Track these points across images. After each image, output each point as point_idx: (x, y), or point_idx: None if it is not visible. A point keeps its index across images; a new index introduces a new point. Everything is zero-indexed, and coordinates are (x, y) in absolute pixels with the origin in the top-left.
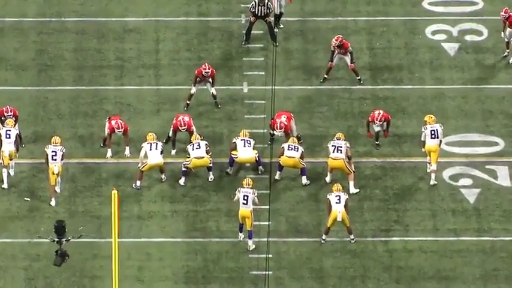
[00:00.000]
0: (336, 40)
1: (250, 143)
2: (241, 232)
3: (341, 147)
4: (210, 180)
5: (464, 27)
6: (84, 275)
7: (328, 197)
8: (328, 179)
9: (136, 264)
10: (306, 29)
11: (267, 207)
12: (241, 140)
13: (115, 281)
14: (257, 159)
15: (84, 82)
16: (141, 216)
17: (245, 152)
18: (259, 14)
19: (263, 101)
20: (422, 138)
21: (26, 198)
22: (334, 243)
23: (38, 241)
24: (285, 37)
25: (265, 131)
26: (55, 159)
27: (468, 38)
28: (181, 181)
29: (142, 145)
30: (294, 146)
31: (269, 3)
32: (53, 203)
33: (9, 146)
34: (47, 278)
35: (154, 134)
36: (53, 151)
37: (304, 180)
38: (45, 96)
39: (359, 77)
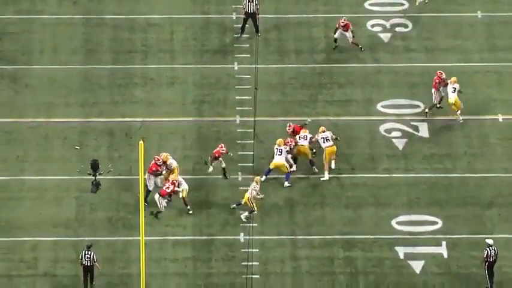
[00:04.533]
0: (344, 20)
1: (281, 152)
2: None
3: (328, 137)
4: (190, 213)
5: (395, 21)
6: (120, 203)
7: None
8: (326, 175)
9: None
10: (279, 24)
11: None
12: (276, 148)
13: (141, 209)
14: (287, 171)
15: (119, 62)
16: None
17: (276, 160)
18: (249, 11)
19: (248, 76)
20: (446, 94)
21: (76, 147)
22: (302, 179)
23: (85, 178)
24: (264, 30)
25: (250, 97)
26: None
27: (398, 29)
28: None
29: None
30: (304, 136)
31: (256, 0)
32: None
33: None
34: (92, 205)
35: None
36: None
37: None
38: (91, 73)
39: (360, 46)
